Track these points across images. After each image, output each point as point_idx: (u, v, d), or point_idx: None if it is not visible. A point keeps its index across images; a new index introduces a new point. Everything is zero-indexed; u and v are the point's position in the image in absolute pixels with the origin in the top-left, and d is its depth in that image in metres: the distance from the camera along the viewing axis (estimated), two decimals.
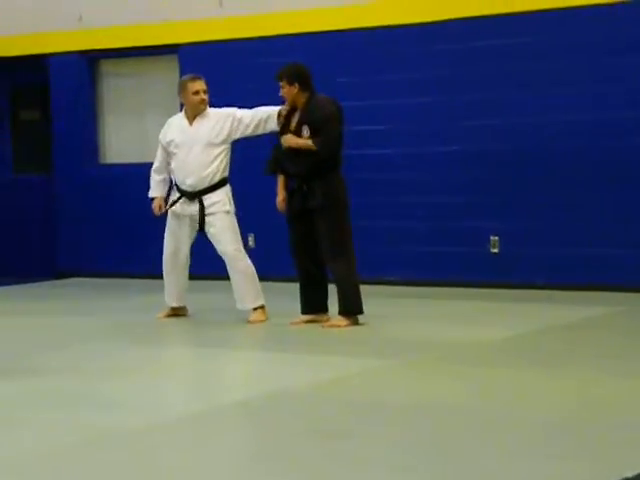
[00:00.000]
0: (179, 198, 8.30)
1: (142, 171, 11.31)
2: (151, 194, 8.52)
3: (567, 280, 9.59)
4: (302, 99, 7.88)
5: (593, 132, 9.55)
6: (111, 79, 12.05)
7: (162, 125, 8.64)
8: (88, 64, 11.98)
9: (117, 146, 12.06)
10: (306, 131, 7.81)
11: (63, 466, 4.52)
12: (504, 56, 9.81)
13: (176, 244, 8.39)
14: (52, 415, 5.43)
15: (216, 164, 8.23)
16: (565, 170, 9.67)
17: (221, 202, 8.23)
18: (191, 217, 8.30)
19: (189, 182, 8.25)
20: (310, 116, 7.83)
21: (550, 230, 9.73)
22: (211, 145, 8.21)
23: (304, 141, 7.80)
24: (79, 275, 11.83)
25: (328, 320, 7.96)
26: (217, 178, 8.25)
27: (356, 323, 7.89)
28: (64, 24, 11.76)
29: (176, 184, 8.37)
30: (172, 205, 8.33)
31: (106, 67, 12.07)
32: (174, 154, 8.31)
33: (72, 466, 4.52)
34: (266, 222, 10.00)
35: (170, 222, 8.41)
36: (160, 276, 8.59)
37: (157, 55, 11.61)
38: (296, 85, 7.85)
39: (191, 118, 8.31)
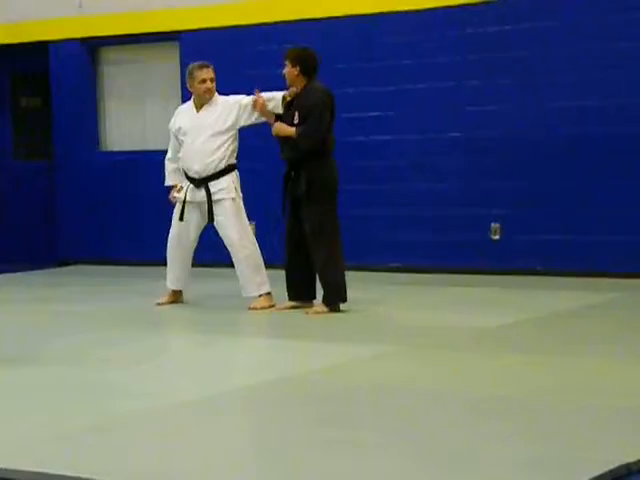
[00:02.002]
0: (188, 186, 8.32)
1: (142, 158, 11.38)
2: (167, 183, 8.55)
3: (568, 267, 9.61)
4: (301, 84, 7.91)
5: (595, 119, 9.55)
6: (111, 66, 12.04)
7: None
8: (88, 51, 11.97)
9: (117, 133, 12.06)
10: (297, 117, 7.84)
11: (70, 451, 4.53)
12: (506, 42, 9.80)
13: (180, 230, 8.40)
14: (57, 402, 5.44)
15: (222, 151, 8.25)
16: (566, 157, 9.68)
17: (227, 189, 8.25)
18: (199, 204, 8.33)
19: (195, 169, 8.27)
20: (301, 103, 7.87)
21: (551, 217, 9.74)
22: (217, 133, 8.24)
23: (290, 130, 7.84)
24: (80, 262, 11.84)
25: (312, 307, 7.98)
26: (222, 165, 8.27)
27: (337, 310, 7.89)
28: (64, 11, 11.76)
29: (184, 171, 8.39)
30: (179, 191, 8.36)
31: (106, 54, 12.06)
32: (182, 141, 8.34)
33: (80, 451, 4.53)
34: (267, 210, 10.01)
35: (177, 208, 8.42)
36: (162, 263, 8.60)
37: (158, 42, 11.59)
38: (298, 68, 7.88)
39: (198, 106, 8.33)
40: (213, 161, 8.24)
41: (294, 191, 7.92)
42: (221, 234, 8.30)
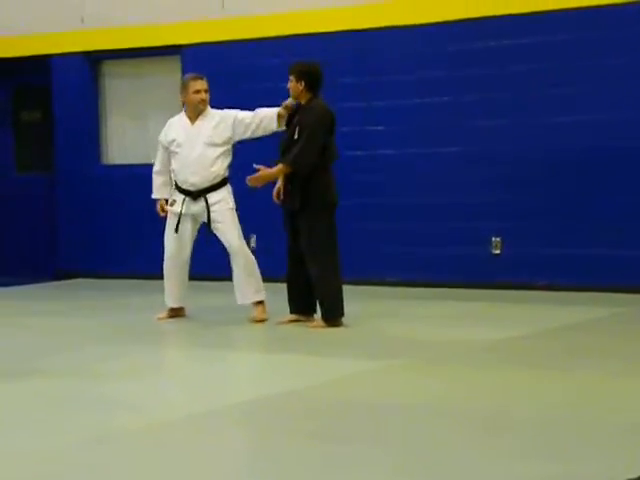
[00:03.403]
0: (184, 199, 8.30)
1: (144, 172, 11.34)
2: (155, 195, 8.53)
3: (569, 281, 9.59)
4: (305, 99, 7.91)
5: (596, 133, 9.55)
6: (113, 80, 12.06)
7: (164, 126, 8.63)
8: (90, 65, 11.99)
9: (119, 147, 12.07)
10: (297, 133, 7.83)
11: (65, 466, 4.52)
12: (507, 57, 9.81)
13: (177, 244, 8.39)
14: (54, 416, 5.44)
15: (219, 163, 8.26)
16: (567, 171, 9.67)
17: (224, 200, 8.27)
18: (193, 216, 8.32)
19: (192, 181, 8.26)
20: (302, 119, 7.87)
21: (552, 231, 9.73)
22: (213, 145, 8.23)
23: (270, 172, 7.84)
24: (81, 276, 11.83)
25: (313, 321, 7.97)
26: (219, 178, 8.27)
27: (337, 325, 7.87)
28: (66, 25, 11.77)
29: (177, 184, 8.37)
30: (172, 204, 8.34)
31: (108, 68, 12.07)
32: (176, 153, 8.32)
33: (74, 466, 4.52)
34: (268, 223, 9.99)
35: (171, 222, 8.40)
36: (161, 276, 8.59)
37: (159, 56, 11.61)
38: (302, 83, 7.88)
39: (192, 117, 8.32)
40: (212, 174, 8.24)
41: (291, 205, 7.90)
42: (223, 242, 8.30)
